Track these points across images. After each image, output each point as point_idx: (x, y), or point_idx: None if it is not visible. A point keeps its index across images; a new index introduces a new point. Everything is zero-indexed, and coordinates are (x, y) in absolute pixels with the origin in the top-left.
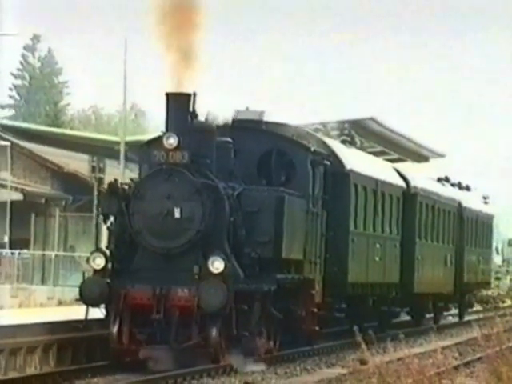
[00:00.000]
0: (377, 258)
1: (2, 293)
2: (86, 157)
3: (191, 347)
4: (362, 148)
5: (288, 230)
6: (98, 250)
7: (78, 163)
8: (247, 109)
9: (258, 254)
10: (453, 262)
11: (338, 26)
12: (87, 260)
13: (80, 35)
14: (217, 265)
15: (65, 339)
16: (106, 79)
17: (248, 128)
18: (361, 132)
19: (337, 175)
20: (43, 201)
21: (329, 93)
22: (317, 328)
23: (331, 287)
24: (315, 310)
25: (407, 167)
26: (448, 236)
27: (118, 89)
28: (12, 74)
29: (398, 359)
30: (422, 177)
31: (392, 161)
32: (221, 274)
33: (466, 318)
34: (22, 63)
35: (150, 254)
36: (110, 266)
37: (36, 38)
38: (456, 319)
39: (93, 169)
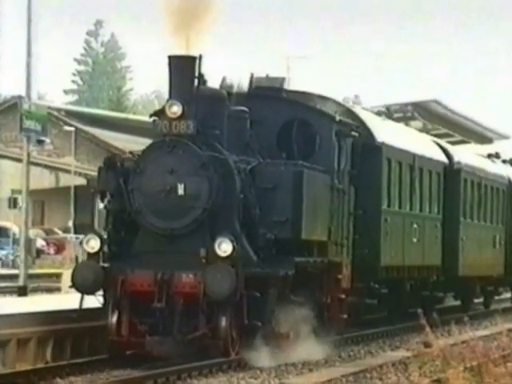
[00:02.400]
0: (414, 239)
1: (67, 277)
2: (149, 141)
3: (197, 339)
4: (425, 130)
5: (308, 207)
6: (92, 231)
7: (141, 148)
8: (267, 76)
9: (275, 235)
10: (502, 243)
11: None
12: (80, 243)
13: (143, 19)
14: (224, 247)
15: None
16: None
17: (267, 96)
18: (424, 114)
19: (367, 148)
20: None
21: (391, 75)
22: (344, 316)
23: (361, 271)
24: (342, 296)
25: (470, 149)
26: (497, 215)
27: None
28: (75, 60)
29: (463, 342)
30: (467, 152)
31: (455, 143)
32: (229, 257)
33: None
34: (85, 49)
35: (152, 236)
36: (106, 249)
37: (99, 24)
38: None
39: None
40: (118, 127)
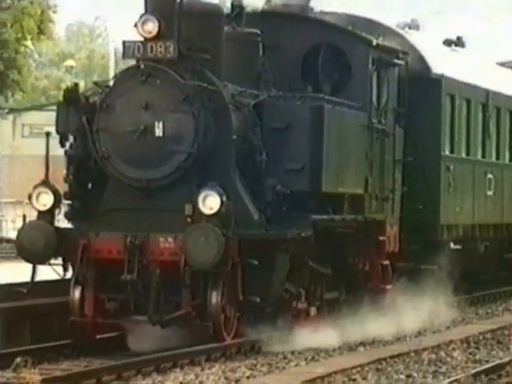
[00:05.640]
0: (489, 193)
1: None
2: None
3: (180, 320)
4: None
5: (331, 152)
6: (43, 183)
7: None
8: None
9: (287, 188)
10: None
11: None
12: (29, 197)
13: None
14: (210, 202)
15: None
16: None
17: (287, 16)
18: None
19: (420, 81)
20: None
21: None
22: (388, 286)
23: (414, 231)
24: (386, 262)
25: None
26: None
27: None
28: None
29: None
30: None
31: None
32: (216, 214)
33: None
34: None
35: (123, 189)
36: (67, 206)
37: None
38: None
39: None
40: None
